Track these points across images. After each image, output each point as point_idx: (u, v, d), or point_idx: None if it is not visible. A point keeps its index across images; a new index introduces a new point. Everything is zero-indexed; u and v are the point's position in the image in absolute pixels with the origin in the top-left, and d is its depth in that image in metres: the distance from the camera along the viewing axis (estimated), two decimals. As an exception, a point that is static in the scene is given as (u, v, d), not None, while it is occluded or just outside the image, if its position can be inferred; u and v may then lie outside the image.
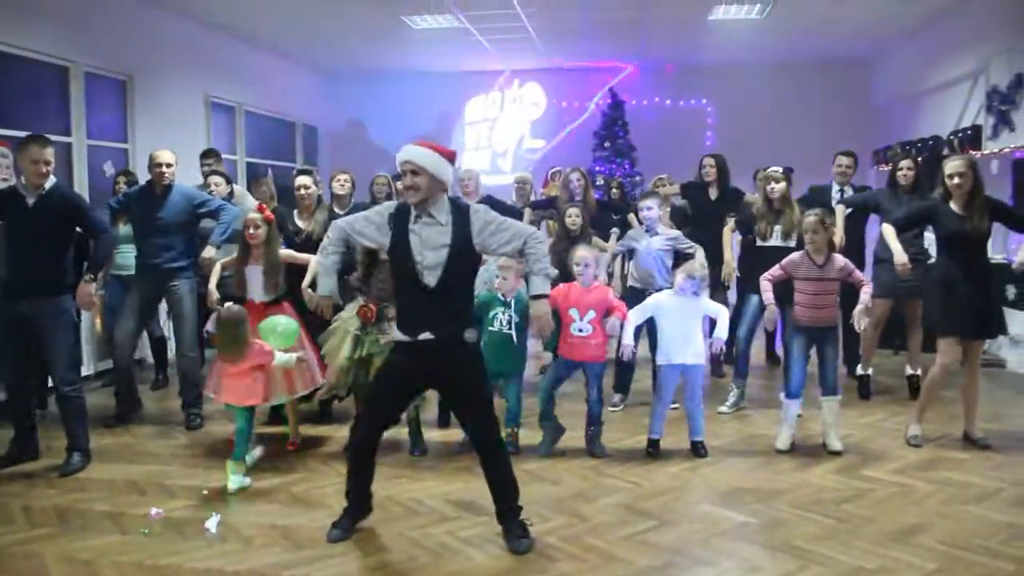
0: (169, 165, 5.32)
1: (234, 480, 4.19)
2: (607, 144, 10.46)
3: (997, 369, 6.79)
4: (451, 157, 3.42)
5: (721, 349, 5.22)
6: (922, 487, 4.16)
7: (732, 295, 6.28)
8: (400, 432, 4.69)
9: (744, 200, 6.22)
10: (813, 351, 4.86)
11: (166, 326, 6.33)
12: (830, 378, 4.77)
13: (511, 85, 11.40)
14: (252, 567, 3.33)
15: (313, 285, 4.37)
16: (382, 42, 9.46)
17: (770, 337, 6.94)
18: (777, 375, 6.27)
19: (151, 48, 7.67)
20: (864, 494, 4.08)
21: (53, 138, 4.65)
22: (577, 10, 8.07)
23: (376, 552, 3.46)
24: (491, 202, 5.90)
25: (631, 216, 6.38)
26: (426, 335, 3.37)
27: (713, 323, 4.80)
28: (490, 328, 4.65)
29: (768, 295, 4.81)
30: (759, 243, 5.53)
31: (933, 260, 5.27)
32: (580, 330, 4.64)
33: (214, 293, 4.97)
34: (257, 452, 4.60)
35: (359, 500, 3.66)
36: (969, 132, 7.49)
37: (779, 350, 5.86)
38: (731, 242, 6.03)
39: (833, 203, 5.97)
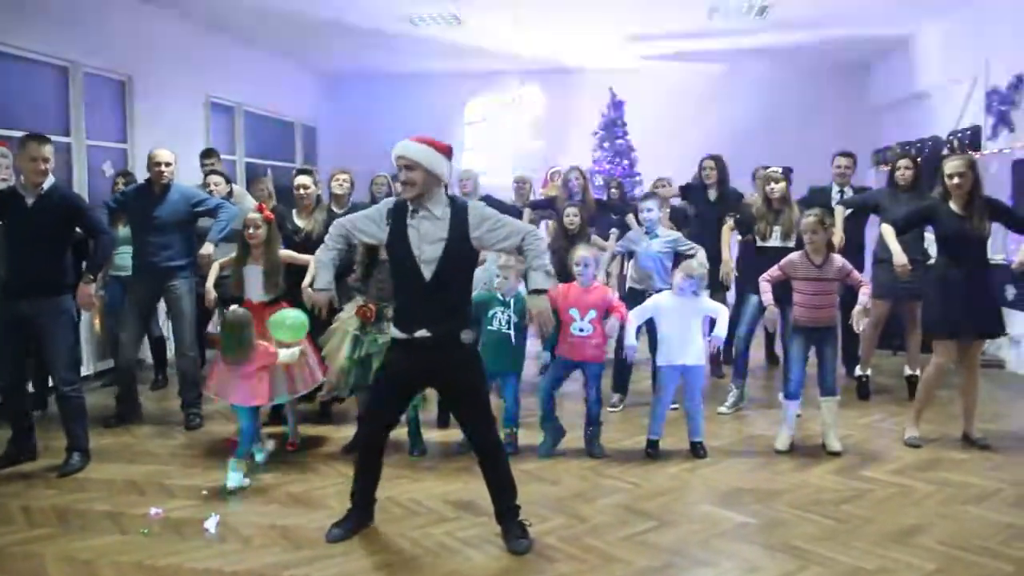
0: (168, 164, 5.32)
1: (233, 478, 4.19)
2: (606, 144, 10.45)
3: (997, 369, 6.80)
4: (446, 151, 3.40)
5: (719, 349, 5.23)
6: (921, 487, 4.17)
7: (731, 295, 6.29)
8: (399, 432, 4.68)
9: (744, 202, 6.22)
10: (813, 352, 4.86)
11: (165, 326, 6.33)
12: (829, 379, 4.77)
13: (512, 85, 11.39)
14: (251, 567, 3.33)
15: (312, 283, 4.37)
16: (382, 42, 9.45)
17: (769, 337, 6.94)
18: (776, 375, 6.28)
19: (150, 48, 7.67)
20: (863, 495, 4.08)
21: (52, 138, 4.64)
22: (576, 10, 8.07)
23: (375, 552, 3.46)
24: (491, 202, 5.89)
25: (630, 217, 6.38)
26: (422, 332, 3.37)
27: (713, 322, 4.80)
28: (489, 328, 4.66)
29: (767, 296, 4.82)
30: (759, 243, 5.54)
31: (933, 260, 5.27)
32: (580, 330, 4.64)
33: (211, 292, 4.98)
34: (269, 446, 4.62)
35: (363, 501, 3.66)
36: (968, 132, 7.49)
37: (779, 350, 5.85)
38: (730, 241, 6.04)
39: (833, 204, 5.97)
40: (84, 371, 6.09)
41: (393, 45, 9.52)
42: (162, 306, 5.71)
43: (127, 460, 4.71)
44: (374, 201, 6.18)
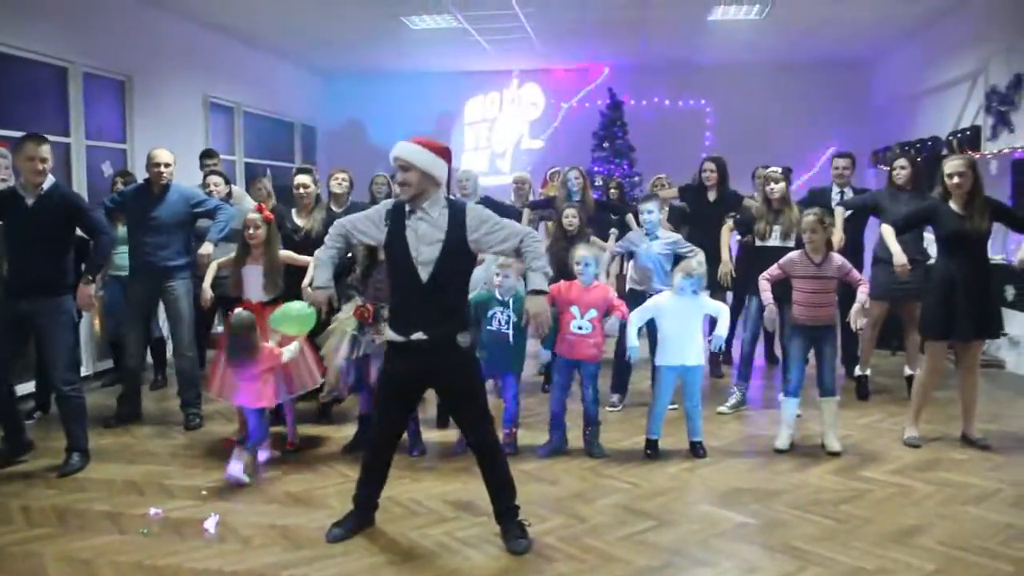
0: (167, 165, 5.32)
1: (234, 467, 4.20)
2: (606, 144, 10.46)
3: (996, 370, 6.80)
4: (443, 152, 3.39)
5: (721, 349, 5.23)
6: (921, 488, 4.16)
7: (730, 295, 6.29)
8: (399, 432, 4.69)
9: (743, 204, 6.22)
10: (812, 352, 4.86)
11: (165, 327, 6.32)
12: (828, 379, 4.77)
13: (512, 85, 11.40)
14: (251, 567, 3.32)
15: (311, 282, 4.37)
16: (380, 42, 9.46)
17: (769, 337, 6.94)
18: (776, 375, 6.28)
19: (150, 48, 7.67)
20: (863, 495, 4.08)
21: (52, 138, 4.65)
22: (576, 10, 8.07)
23: (375, 552, 3.46)
24: (489, 203, 5.90)
25: (629, 217, 6.38)
26: (419, 335, 3.37)
27: (714, 322, 4.80)
28: (488, 328, 4.66)
29: (767, 295, 4.82)
30: (758, 243, 5.54)
31: (933, 261, 5.27)
32: (580, 328, 4.63)
33: (207, 292, 4.99)
34: (263, 453, 4.60)
35: (366, 504, 3.67)
36: (968, 133, 7.49)
37: (778, 350, 5.85)
38: (729, 241, 6.04)
39: (833, 205, 5.96)
40: (84, 371, 6.10)
41: (392, 45, 9.53)
42: (161, 306, 5.71)
43: (127, 460, 4.71)
44: (374, 201, 6.18)
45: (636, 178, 10.19)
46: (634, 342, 4.73)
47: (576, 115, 11.20)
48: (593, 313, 4.64)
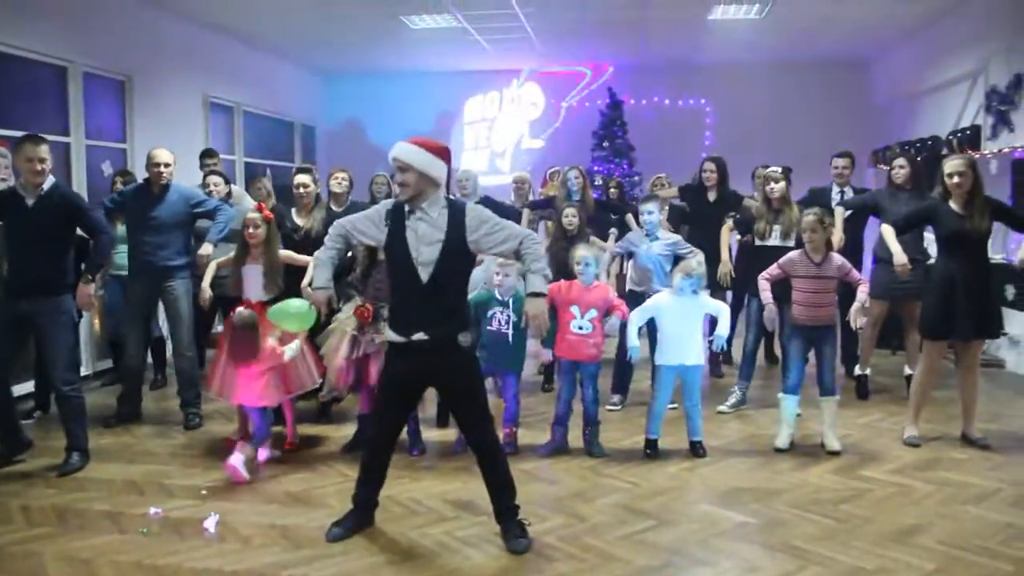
0: (167, 165, 5.32)
1: (236, 459, 4.22)
2: (605, 144, 10.46)
3: (996, 369, 6.79)
4: (442, 152, 3.39)
5: (723, 348, 5.22)
6: (921, 487, 4.16)
7: (730, 295, 6.29)
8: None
9: (743, 204, 6.22)
10: (812, 351, 4.86)
11: (165, 326, 6.33)
12: (828, 378, 4.77)
13: (516, 85, 11.40)
14: (251, 567, 3.32)
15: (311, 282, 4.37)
16: (380, 42, 9.46)
17: (769, 337, 6.94)
18: (776, 375, 6.27)
19: (150, 48, 7.67)
20: (863, 494, 4.08)
21: (52, 138, 4.65)
22: (576, 10, 8.07)
23: (375, 551, 3.46)
24: (489, 204, 5.89)
25: (629, 217, 6.37)
26: (420, 335, 3.37)
27: (714, 322, 4.80)
28: (488, 328, 4.66)
29: (766, 294, 4.82)
30: (758, 243, 5.53)
31: (933, 260, 5.27)
32: (580, 327, 4.63)
33: (206, 291, 5.00)
34: (263, 453, 4.60)
35: (365, 504, 3.67)
36: (968, 132, 7.49)
37: (778, 350, 5.85)
38: (729, 241, 6.04)
39: (833, 205, 5.96)
40: (84, 371, 6.10)
41: (391, 45, 9.52)
42: (161, 306, 5.71)
43: (126, 460, 4.71)
44: (374, 201, 6.19)
45: (636, 178, 10.20)
46: (634, 342, 4.73)
47: (576, 115, 11.20)
48: (593, 313, 4.63)
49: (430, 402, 5.01)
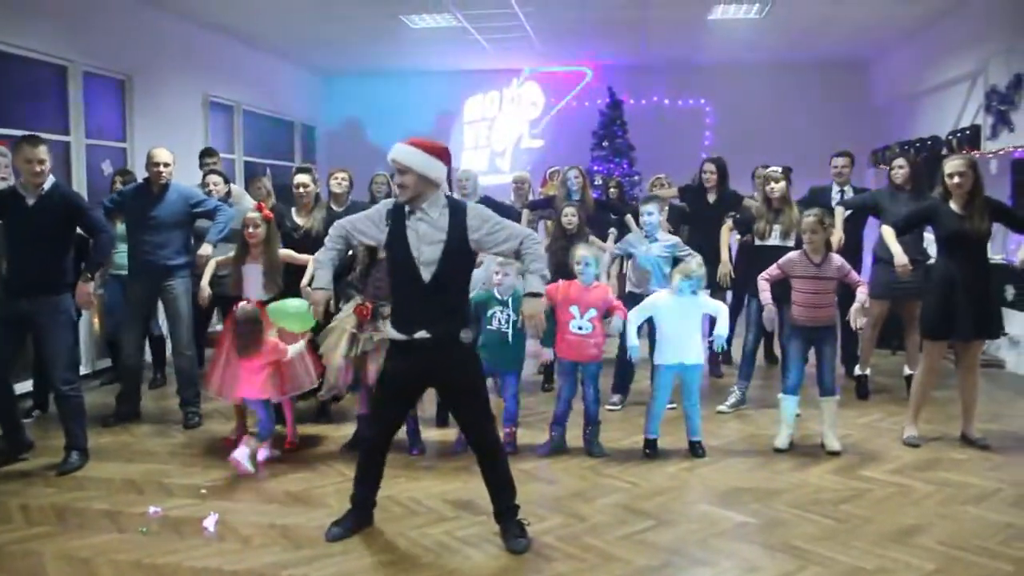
0: (167, 164, 5.31)
1: (241, 452, 4.23)
2: (605, 143, 10.46)
3: (996, 369, 6.79)
4: (440, 153, 3.38)
5: (723, 348, 5.22)
6: (920, 487, 4.16)
7: (730, 295, 6.28)
8: (398, 432, 4.68)
9: (743, 204, 6.22)
10: (812, 352, 4.85)
11: (164, 325, 6.33)
12: (828, 378, 4.77)
13: (516, 84, 11.40)
14: (250, 566, 3.32)
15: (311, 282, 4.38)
16: (380, 42, 9.46)
17: (768, 337, 6.94)
18: (776, 375, 6.27)
19: (150, 48, 7.67)
20: (862, 494, 4.08)
21: (52, 137, 4.66)
22: (576, 10, 8.07)
23: (375, 551, 3.45)
24: (489, 203, 5.88)
25: (629, 217, 6.36)
26: (422, 334, 3.37)
27: (714, 322, 4.80)
28: (488, 327, 4.66)
29: (765, 294, 4.82)
30: (758, 243, 5.53)
31: (933, 261, 5.27)
32: (580, 327, 4.63)
33: (205, 290, 5.01)
34: (263, 452, 4.60)
35: (363, 503, 3.66)
36: (968, 132, 7.49)
37: (778, 350, 5.85)
38: (728, 241, 6.04)
39: (833, 204, 5.96)
40: (83, 370, 6.10)
41: (391, 44, 9.52)
42: (160, 305, 5.71)
43: (126, 459, 4.70)
44: (374, 201, 6.18)
45: (636, 177, 10.20)
46: (634, 341, 4.72)
47: (576, 114, 11.19)
48: (593, 313, 4.63)
49: (429, 401, 5.03)
